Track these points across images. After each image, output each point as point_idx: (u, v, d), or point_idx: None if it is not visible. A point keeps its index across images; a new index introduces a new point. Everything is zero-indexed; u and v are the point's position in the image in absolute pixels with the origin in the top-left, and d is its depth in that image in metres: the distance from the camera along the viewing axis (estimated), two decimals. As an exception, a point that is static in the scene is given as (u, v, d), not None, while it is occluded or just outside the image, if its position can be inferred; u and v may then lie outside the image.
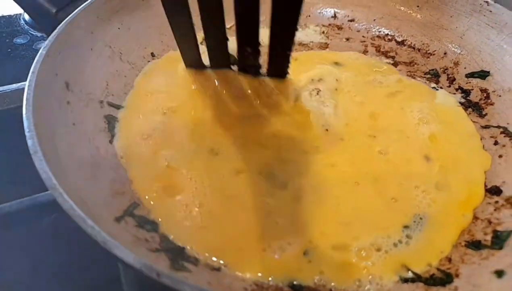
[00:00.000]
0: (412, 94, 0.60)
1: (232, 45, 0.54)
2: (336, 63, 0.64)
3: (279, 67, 0.55)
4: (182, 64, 0.59)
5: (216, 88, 0.57)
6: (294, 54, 0.55)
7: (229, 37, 0.52)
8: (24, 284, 0.48)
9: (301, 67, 0.61)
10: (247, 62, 0.54)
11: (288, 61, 0.54)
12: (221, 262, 0.40)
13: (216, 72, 0.58)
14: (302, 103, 0.57)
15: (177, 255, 0.40)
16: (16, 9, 0.85)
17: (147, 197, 0.45)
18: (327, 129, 0.54)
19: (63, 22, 0.50)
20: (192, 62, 0.57)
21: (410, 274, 0.41)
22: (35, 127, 0.38)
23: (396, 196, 0.48)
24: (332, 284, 0.40)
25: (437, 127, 0.55)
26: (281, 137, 0.53)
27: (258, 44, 0.51)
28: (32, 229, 0.51)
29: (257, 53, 0.53)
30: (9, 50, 0.80)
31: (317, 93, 0.58)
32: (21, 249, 0.50)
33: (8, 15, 0.87)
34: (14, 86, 0.66)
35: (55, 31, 0.49)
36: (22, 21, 0.85)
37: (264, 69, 0.56)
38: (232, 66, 0.58)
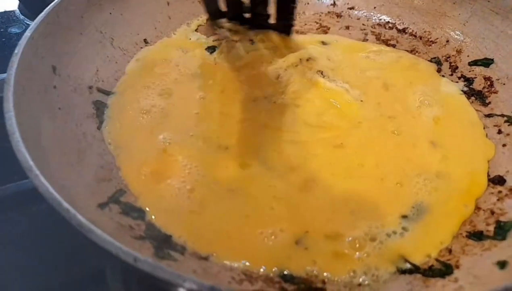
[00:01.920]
0: (417, 74, 0.59)
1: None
2: (323, 43, 0.63)
3: (285, 20, 0.61)
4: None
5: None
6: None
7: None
8: (9, 273, 0.46)
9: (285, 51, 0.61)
10: (258, 10, 0.61)
11: (292, 15, 0.60)
12: (210, 250, 0.38)
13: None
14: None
15: (163, 243, 0.38)
16: (13, 6, 0.84)
17: (134, 183, 0.43)
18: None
19: (50, 5, 0.49)
20: (214, 11, 0.64)
21: (408, 265, 0.39)
22: (14, 108, 0.37)
23: (395, 183, 0.46)
24: (325, 274, 0.38)
25: (439, 111, 0.53)
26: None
27: None
28: (18, 218, 0.50)
29: (265, 2, 0.59)
30: (3, 39, 0.79)
31: (322, 74, 0.57)
32: (6, 238, 0.48)
33: (5, 11, 0.86)
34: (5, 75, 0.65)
35: (42, 14, 0.47)
36: (18, 11, 0.84)
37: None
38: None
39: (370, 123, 0.52)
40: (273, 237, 0.40)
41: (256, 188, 0.44)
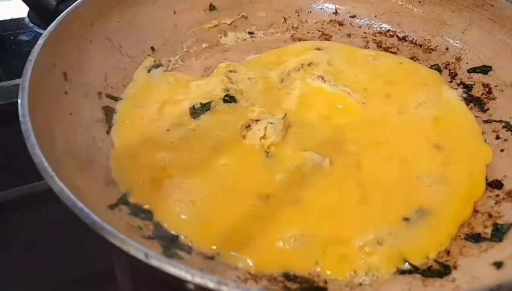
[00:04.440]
0: (418, 79, 0.60)
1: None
2: (318, 49, 0.65)
3: None
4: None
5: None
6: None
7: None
8: (22, 271, 0.48)
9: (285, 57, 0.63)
10: None
11: None
12: (215, 250, 0.40)
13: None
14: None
15: (170, 243, 0.39)
16: (21, 13, 0.86)
17: (140, 187, 0.45)
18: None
19: (62, 14, 0.50)
20: None
21: (407, 266, 0.41)
22: (29, 114, 0.38)
23: (398, 187, 0.47)
24: (328, 272, 0.39)
25: (440, 115, 0.55)
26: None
27: None
28: (28, 218, 0.51)
29: None
30: (13, 46, 0.81)
31: (322, 79, 0.58)
32: (18, 237, 0.50)
33: (14, 18, 0.88)
34: (17, 81, 0.66)
35: (54, 22, 0.49)
36: (27, 19, 0.86)
37: None
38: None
39: (372, 126, 0.53)
40: (276, 239, 0.41)
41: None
